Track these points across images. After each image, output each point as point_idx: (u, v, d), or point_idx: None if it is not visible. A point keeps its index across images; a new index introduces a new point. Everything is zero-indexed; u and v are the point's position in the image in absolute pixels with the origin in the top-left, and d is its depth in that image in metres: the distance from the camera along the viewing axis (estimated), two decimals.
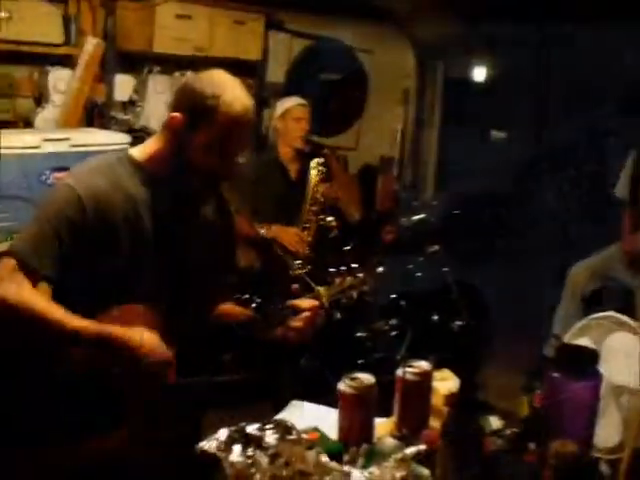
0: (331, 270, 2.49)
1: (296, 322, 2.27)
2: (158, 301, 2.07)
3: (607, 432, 2.46)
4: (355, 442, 1.87)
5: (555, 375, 1.84)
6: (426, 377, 2.02)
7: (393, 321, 4.72)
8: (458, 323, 4.88)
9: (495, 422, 2.04)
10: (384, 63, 6.11)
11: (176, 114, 2.03)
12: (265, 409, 3.62)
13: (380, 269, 4.80)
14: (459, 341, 4.81)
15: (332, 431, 1.99)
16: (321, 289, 2.39)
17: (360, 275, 2.45)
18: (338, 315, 4.50)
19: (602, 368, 2.46)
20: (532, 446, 1.87)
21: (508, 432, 1.91)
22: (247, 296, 3.63)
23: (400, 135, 6.40)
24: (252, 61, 5.22)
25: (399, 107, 6.40)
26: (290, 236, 4.25)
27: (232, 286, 2.51)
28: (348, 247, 4.71)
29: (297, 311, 2.27)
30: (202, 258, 2.23)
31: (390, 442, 1.83)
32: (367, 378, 1.94)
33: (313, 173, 4.31)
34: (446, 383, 2.16)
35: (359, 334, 4.60)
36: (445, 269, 4.87)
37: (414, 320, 4.77)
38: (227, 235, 2.39)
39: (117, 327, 1.94)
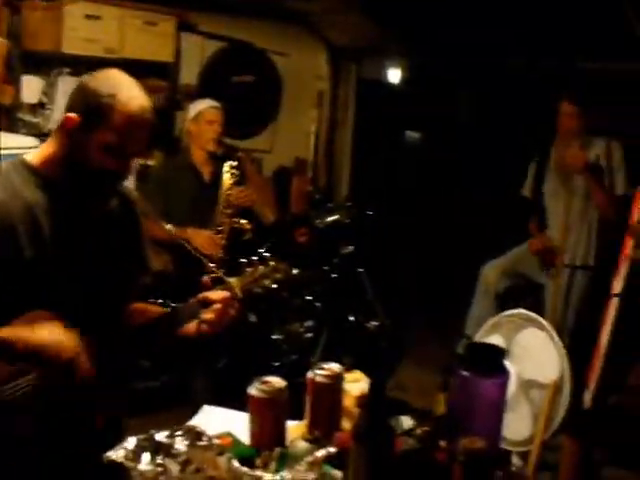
0: (242, 260, 2.42)
1: (208, 314, 2.20)
2: (67, 308, 2.03)
3: (517, 425, 2.53)
4: (267, 446, 1.86)
5: (464, 373, 1.87)
6: (336, 379, 2.03)
7: (308, 323, 4.74)
8: (374, 323, 4.93)
9: (407, 421, 2.07)
10: (298, 65, 6.13)
11: (71, 115, 2.00)
12: (184, 415, 3.61)
13: (295, 271, 4.82)
14: (375, 341, 4.87)
15: (245, 436, 1.98)
16: (233, 280, 2.32)
17: (272, 263, 2.38)
18: (253, 318, 4.52)
19: (513, 364, 2.53)
20: (443, 444, 1.90)
21: (419, 431, 1.93)
22: (161, 300, 3.60)
23: (314, 137, 6.43)
24: (164, 63, 5.15)
25: (313, 109, 6.42)
26: (203, 239, 4.22)
27: (145, 288, 2.48)
28: (262, 249, 4.71)
29: (208, 304, 2.21)
30: (109, 260, 2.19)
31: (302, 445, 1.84)
32: (277, 381, 1.93)
33: (226, 177, 4.30)
34: (357, 385, 2.17)
35: (275, 336, 4.61)
36: (360, 270, 4.91)
37: (329, 321, 4.80)
38: (134, 236, 2.34)
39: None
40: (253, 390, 1.91)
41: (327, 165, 6.61)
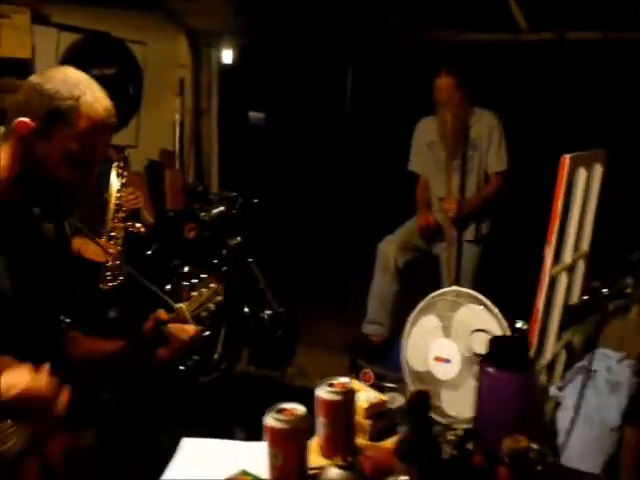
0: (184, 284, 2.43)
1: (173, 350, 2.18)
2: (27, 341, 1.82)
3: (464, 403, 2.50)
4: (293, 479, 1.72)
5: (490, 370, 1.80)
6: (349, 394, 1.89)
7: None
8: (268, 312, 4.84)
9: None
10: (158, 54, 5.88)
11: (25, 119, 1.76)
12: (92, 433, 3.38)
13: (186, 268, 4.64)
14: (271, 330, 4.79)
15: (250, 467, 1.79)
16: (183, 306, 2.31)
17: (213, 285, 2.41)
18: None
19: (455, 342, 2.48)
20: (471, 446, 1.84)
21: (451, 437, 1.85)
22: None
23: (179, 126, 6.19)
24: (21, 59, 4.77)
25: (176, 98, 6.18)
26: (94, 247, 3.93)
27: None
28: (149, 252, 4.50)
29: (165, 337, 2.17)
30: (54, 281, 2.01)
31: (336, 473, 1.69)
32: (296, 408, 1.77)
33: (113, 179, 4.04)
34: (362, 394, 2.06)
35: None
36: (250, 259, 4.79)
37: (226, 315, 4.67)
38: (65, 251, 2.17)
39: None
40: (271, 420, 1.73)
41: (195, 155, 6.39)
